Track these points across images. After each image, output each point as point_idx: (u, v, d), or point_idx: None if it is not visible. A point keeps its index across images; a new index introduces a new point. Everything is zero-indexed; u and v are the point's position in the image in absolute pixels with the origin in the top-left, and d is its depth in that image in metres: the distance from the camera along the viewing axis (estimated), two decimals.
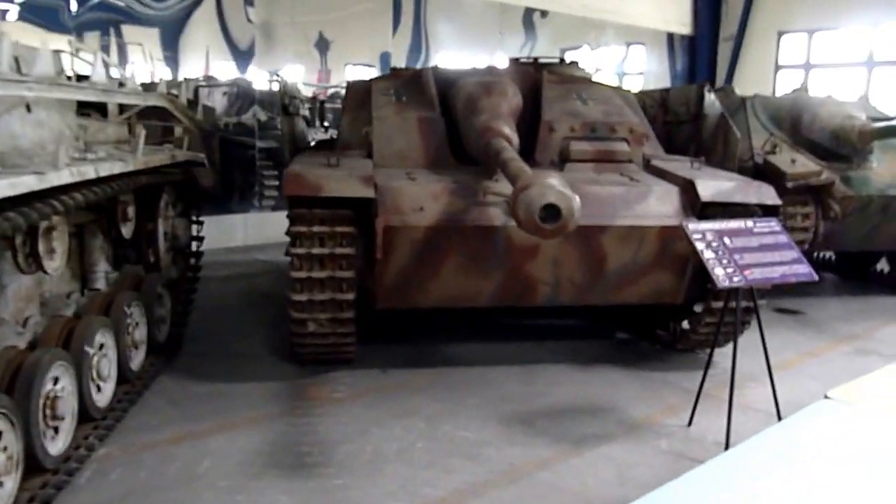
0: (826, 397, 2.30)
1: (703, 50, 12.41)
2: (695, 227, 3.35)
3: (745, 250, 3.32)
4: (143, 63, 19.17)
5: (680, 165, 4.65)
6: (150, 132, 4.86)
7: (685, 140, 5.51)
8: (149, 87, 9.55)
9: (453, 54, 15.73)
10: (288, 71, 20.41)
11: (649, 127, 5.24)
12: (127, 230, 4.32)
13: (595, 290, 4.31)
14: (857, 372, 4.61)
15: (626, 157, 4.76)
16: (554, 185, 2.98)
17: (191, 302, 5.37)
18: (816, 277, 3.47)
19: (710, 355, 3.72)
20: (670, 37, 12.90)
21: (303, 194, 3.93)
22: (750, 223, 3.50)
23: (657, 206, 4.20)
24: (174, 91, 10.10)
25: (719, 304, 4.22)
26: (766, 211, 4.27)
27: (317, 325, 4.08)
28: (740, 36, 12.21)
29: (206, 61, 16.26)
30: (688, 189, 4.22)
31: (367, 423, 3.75)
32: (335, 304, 4.02)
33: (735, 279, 3.19)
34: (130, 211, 4.33)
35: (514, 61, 6.47)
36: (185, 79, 11.81)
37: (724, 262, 3.23)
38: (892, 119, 5.81)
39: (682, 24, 12.14)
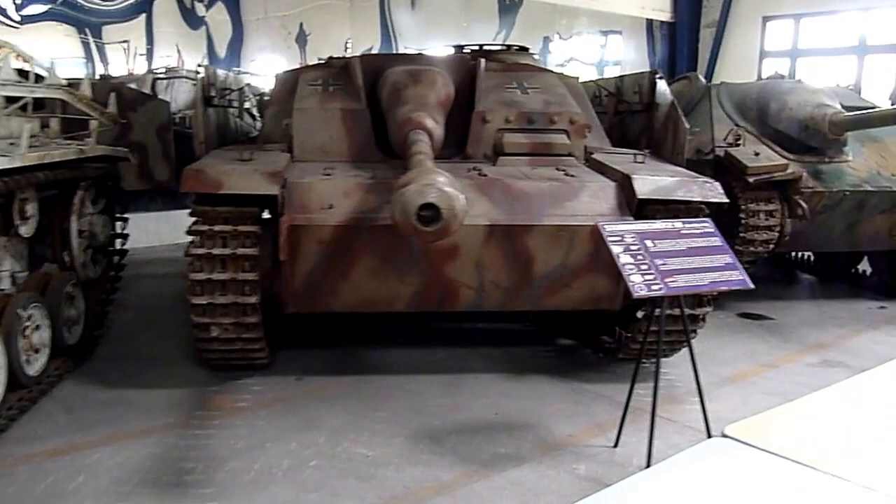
0: (724, 435, 1.97)
1: (683, 37, 11.93)
2: (612, 228, 3.00)
3: (669, 255, 2.97)
4: (125, 59, 19.02)
5: (623, 159, 4.29)
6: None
7: (638, 131, 5.14)
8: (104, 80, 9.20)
9: (420, 46, 15.33)
10: (264, 63, 20.18)
11: (594, 117, 4.87)
12: (27, 229, 4.03)
13: (523, 295, 3.97)
14: (818, 387, 4.25)
15: (566, 151, 4.40)
16: (435, 184, 2.65)
17: (110, 302, 5.08)
18: (751, 285, 3.11)
19: (637, 368, 3.37)
20: (649, 24, 12.42)
21: (201, 191, 3.61)
22: (678, 224, 3.14)
23: (591, 203, 3.85)
24: (132, 85, 9.73)
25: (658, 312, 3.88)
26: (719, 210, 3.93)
27: (221, 329, 3.77)
28: (723, 22, 11.72)
29: (177, 55, 16.09)
30: (625, 185, 3.87)
31: (263, 437, 3.44)
32: (238, 308, 3.71)
33: (654, 287, 2.84)
34: (30, 208, 4.03)
35: (458, 49, 6.12)
36: (150, 71, 11.49)
37: (644, 268, 2.88)
38: (867, 108, 5.40)
39: (660, 10, 11.65)
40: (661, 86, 4.82)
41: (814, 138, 5.37)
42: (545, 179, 3.95)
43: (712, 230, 3.14)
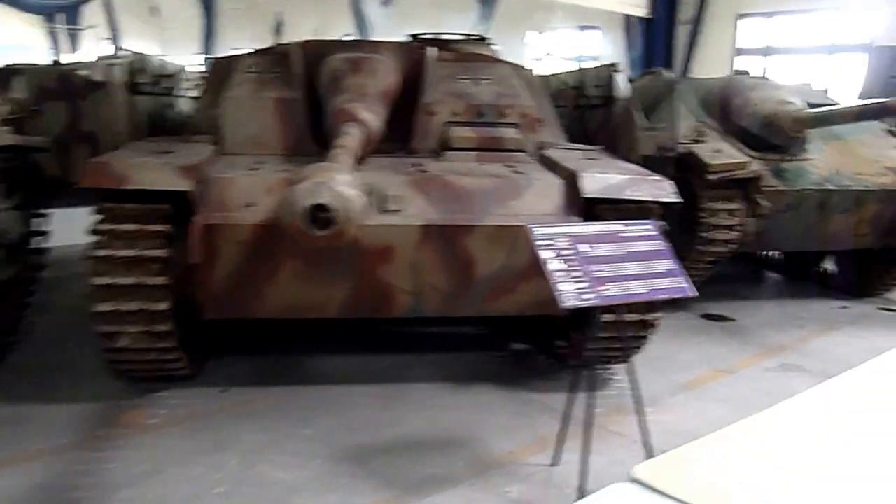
0: (631, 479, 1.71)
1: (659, 33, 11.81)
2: (542, 231, 2.73)
3: (606, 260, 2.70)
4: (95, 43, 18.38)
5: (574, 155, 4.03)
6: None
7: (597, 126, 4.90)
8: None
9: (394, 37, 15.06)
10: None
11: (550, 111, 4.60)
12: None
13: (465, 300, 3.69)
14: (775, 394, 4.05)
15: (516, 146, 4.13)
16: (328, 182, 2.35)
17: (27, 305, 4.71)
18: (693, 293, 2.87)
19: (576, 376, 3.11)
20: (627, 20, 12.26)
21: (102, 186, 3.27)
22: (618, 226, 2.88)
23: (536, 202, 3.58)
24: (84, 72, 9.26)
25: (610, 317, 3.63)
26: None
27: (130, 339, 3.44)
28: (698, 19, 11.60)
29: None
30: (573, 183, 3.61)
31: (167, 460, 3.12)
32: (147, 316, 3.38)
33: (585, 296, 2.57)
34: None
35: (413, 38, 5.82)
36: (102, 57, 10.96)
37: (577, 274, 2.61)
38: (830, 105, 5.21)
39: (637, 5, 11.50)
40: (619, 80, 4.57)
41: (776, 136, 5.17)
42: (489, 176, 3.68)
43: (655, 233, 2.88)
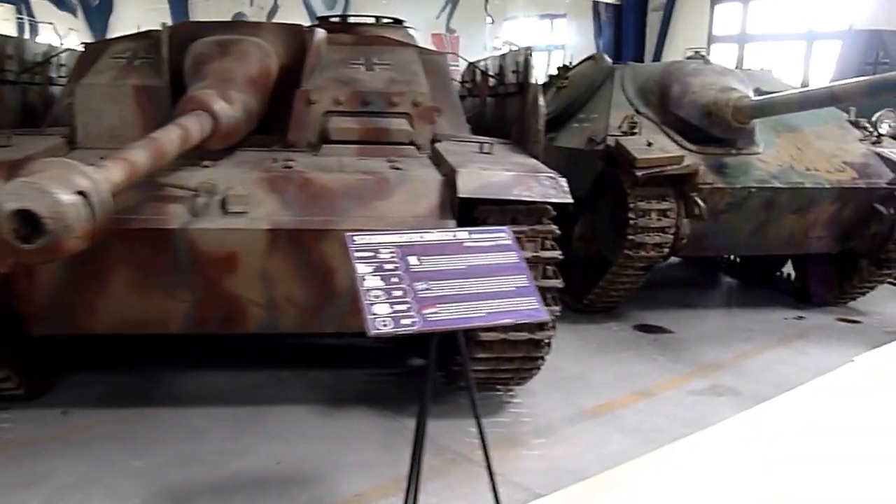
0: None
1: (629, 21, 11.29)
2: (363, 239, 2.26)
3: (440, 276, 2.23)
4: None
5: (470, 148, 3.56)
6: None
7: (513, 116, 4.41)
8: None
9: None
10: None
11: (455, 100, 4.15)
12: None
13: (326, 314, 3.23)
14: (692, 422, 3.52)
15: (406, 138, 3.65)
16: (41, 183, 1.90)
17: None
18: (545, 316, 2.40)
19: (424, 402, 2.64)
20: (596, 6, 11.73)
21: None
22: (463, 234, 2.40)
23: (407, 203, 3.11)
24: None
25: (492, 336, 3.18)
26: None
27: None
28: (671, 5, 11.05)
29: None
30: (453, 181, 3.14)
31: None
32: None
33: (404, 321, 2.11)
34: None
35: (322, 20, 5.35)
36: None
37: (398, 294, 2.15)
38: (775, 92, 4.70)
39: None
40: (533, 65, 4.09)
41: (716, 126, 4.67)
42: (360, 173, 3.21)
43: (509, 242, 2.41)
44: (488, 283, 2.28)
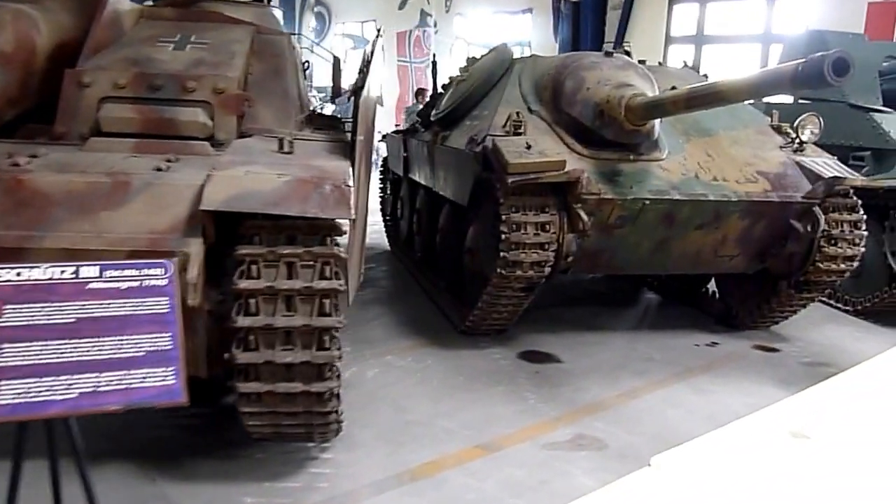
0: None
1: (587, 18, 10.69)
2: None
3: (37, 333, 1.59)
4: None
5: (269, 147, 2.93)
6: None
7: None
8: None
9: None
10: None
11: (288, 88, 3.50)
12: None
13: None
14: (525, 494, 2.70)
15: (201, 131, 3.02)
16: None
17: None
18: (181, 397, 1.76)
19: (15, 476, 2.01)
20: (556, 3, 11.13)
21: None
22: (93, 272, 1.77)
23: (143, 215, 2.46)
24: None
25: (251, 387, 2.53)
26: None
27: None
28: (629, 4, 10.47)
29: None
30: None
31: None
32: None
33: None
34: None
35: None
36: None
37: None
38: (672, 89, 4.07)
39: None
40: (369, 61, 3.46)
41: (608, 128, 4.04)
42: (97, 175, 2.55)
43: (164, 284, 1.77)
44: (113, 344, 1.63)
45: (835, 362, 4.48)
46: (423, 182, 5.61)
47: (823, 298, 5.86)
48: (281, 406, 2.60)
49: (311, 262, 2.50)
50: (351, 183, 2.57)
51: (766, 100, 6.13)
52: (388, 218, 7.49)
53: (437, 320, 4.92)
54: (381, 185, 7.56)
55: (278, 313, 2.46)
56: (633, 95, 3.93)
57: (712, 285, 5.57)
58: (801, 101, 6.42)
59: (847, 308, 5.67)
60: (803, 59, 2.96)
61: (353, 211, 2.48)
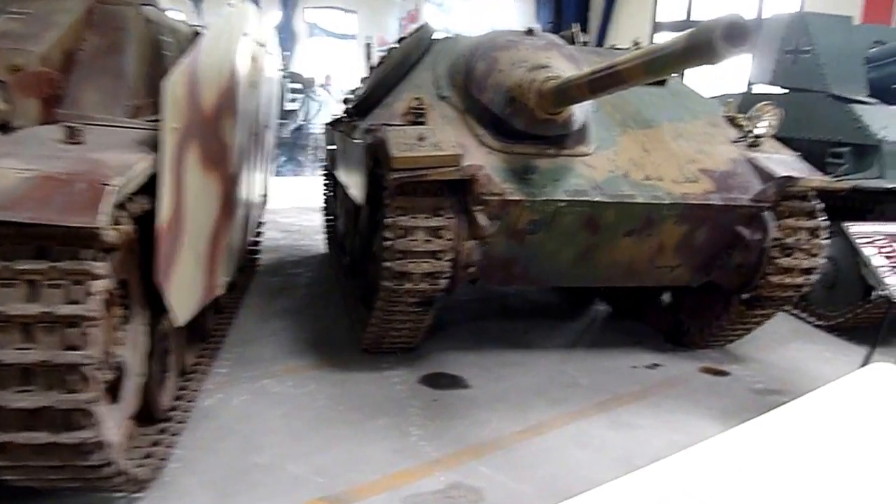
0: None
1: (570, 1, 10.03)
2: None
3: None
4: None
5: (52, 135, 2.41)
6: None
7: None
8: None
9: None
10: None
11: (125, 69, 2.97)
12: None
13: None
14: None
15: None
16: None
17: None
18: None
19: None
20: None
21: None
22: None
23: None
24: None
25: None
26: None
27: None
28: None
29: None
30: None
31: None
32: None
33: None
34: None
35: None
36: None
37: None
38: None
39: None
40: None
41: (518, 117, 3.47)
42: None
43: None
44: None
45: (789, 389, 3.88)
46: (340, 178, 5.08)
47: (794, 312, 5.28)
48: (32, 459, 2.09)
49: (58, 282, 1.98)
50: (116, 182, 2.05)
51: (755, 90, 5.55)
52: (329, 218, 6.95)
53: (344, 336, 4.35)
54: (326, 182, 7.02)
55: (10, 346, 1.95)
56: (546, 79, 3.33)
57: (669, 296, 4.99)
58: (783, 91, 5.81)
59: (820, 323, 5.06)
60: (694, 28, 2.43)
61: (103, 217, 1.95)
